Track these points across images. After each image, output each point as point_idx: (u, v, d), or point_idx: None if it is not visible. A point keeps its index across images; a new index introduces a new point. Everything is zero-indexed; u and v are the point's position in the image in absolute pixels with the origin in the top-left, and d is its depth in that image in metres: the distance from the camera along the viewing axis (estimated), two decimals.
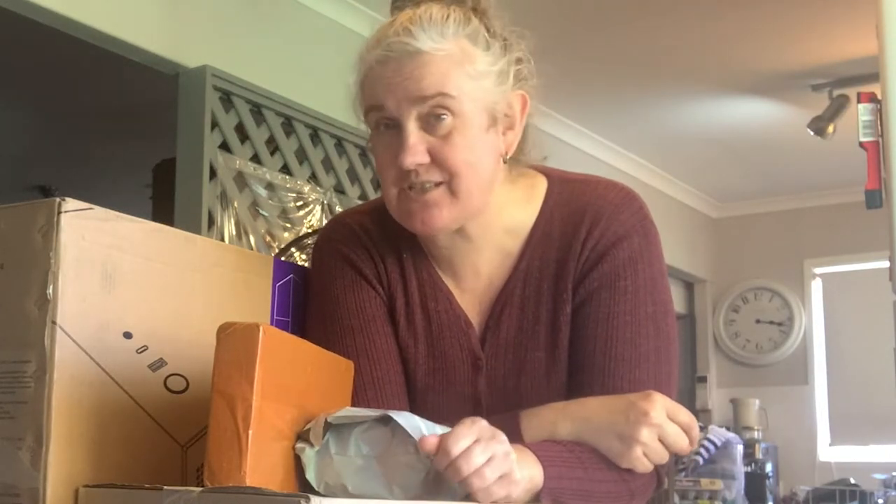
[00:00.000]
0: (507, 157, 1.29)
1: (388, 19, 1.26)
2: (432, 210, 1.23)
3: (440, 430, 1.06)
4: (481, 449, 1.01)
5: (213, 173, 3.34)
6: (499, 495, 1.04)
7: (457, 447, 1.00)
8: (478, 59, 1.23)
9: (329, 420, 1.05)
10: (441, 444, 1.00)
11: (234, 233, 3.38)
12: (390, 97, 1.20)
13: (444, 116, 1.20)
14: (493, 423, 1.22)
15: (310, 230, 3.46)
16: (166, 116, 3.50)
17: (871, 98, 2.58)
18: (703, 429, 5.25)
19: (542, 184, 1.35)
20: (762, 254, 6.87)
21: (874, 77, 2.62)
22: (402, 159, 1.20)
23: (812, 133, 4.87)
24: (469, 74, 1.21)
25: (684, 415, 1.18)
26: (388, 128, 1.23)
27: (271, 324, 1.30)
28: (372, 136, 1.27)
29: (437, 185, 1.22)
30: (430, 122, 1.21)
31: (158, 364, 1.11)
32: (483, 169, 1.24)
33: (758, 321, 6.81)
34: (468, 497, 1.04)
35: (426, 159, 1.21)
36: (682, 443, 1.17)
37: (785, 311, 6.74)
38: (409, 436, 1.02)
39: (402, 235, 1.33)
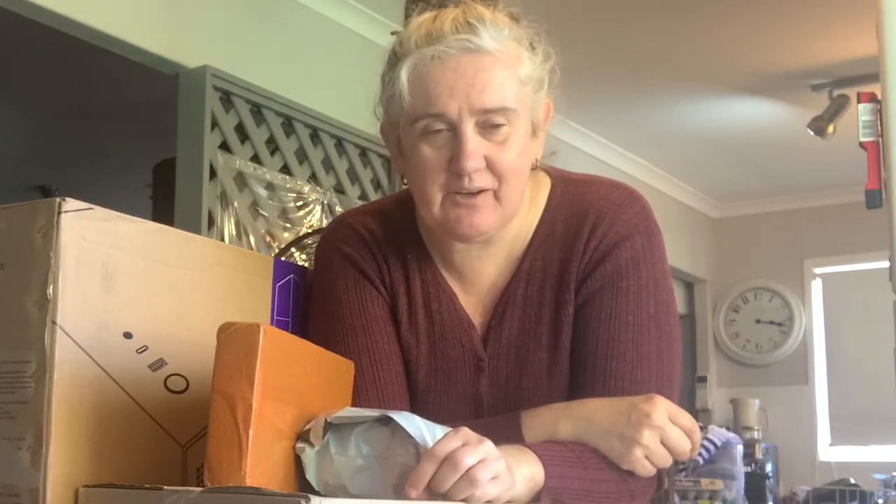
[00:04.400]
0: (537, 164, 1.29)
1: (426, 15, 1.23)
2: (481, 213, 1.23)
3: (440, 430, 1.06)
4: (470, 450, 0.98)
5: (213, 173, 3.34)
6: (492, 494, 1.02)
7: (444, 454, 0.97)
8: (525, 63, 1.23)
9: (329, 420, 1.04)
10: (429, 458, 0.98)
11: (234, 233, 3.38)
12: (451, 103, 1.18)
13: (503, 125, 1.20)
14: (494, 423, 1.22)
15: (310, 230, 3.46)
16: (166, 116, 3.50)
17: (871, 98, 2.58)
18: (703, 429, 5.24)
19: (545, 184, 1.35)
20: (762, 254, 6.87)
21: (874, 77, 2.61)
22: (463, 164, 1.19)
23: (812, 133, 4.87)
24: (521, 80, 1.22)
25: (686, 419, 1.18)
26: (438, 131, 1.21)
27: (271, 324, 1.30)
28: (413, 139, 1.23)
29: (484, 191, 1.22)
30: (486, 127, 1.20)
31: (158, 364, 1.10)
32: (524, 176, 1.26)
33: (758, 321, 6.81)
34: (468, 497, 1.04)
35: (483, 164, 1.21)
36: (683, 446, 1.17)
37: (785, 311, 6.74)
38: (410, 436, 1.01)
39: (405, 236, 1.33)
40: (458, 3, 1.23)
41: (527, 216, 1.32)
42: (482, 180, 1.21)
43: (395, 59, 1.24)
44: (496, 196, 1.23)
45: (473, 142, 1.19)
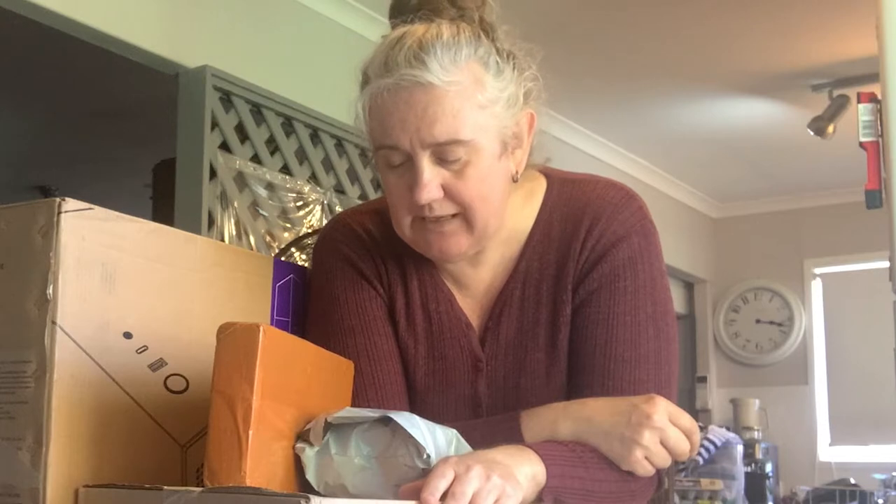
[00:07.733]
0: (518, 175, 1.28)
1: (395, 33, 1.23)
2: (450, 240, 1.23)
3: (440, 430, 1.06)
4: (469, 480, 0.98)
5: (213, 173, 3.34)
6: None
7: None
8: (489, 85, 1.20)
9: (329, 420, 1.05)
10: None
11: (234, 233, 3.38)
12: (403, 136, 1.18)
13: (459, 155, 1.19)
14: (493, 422, 1.22)
15: (310, 230, 3.46)
16: (166, 116, 3.50)
17: (871, 98, 2.58)
18: (703, 429, 5.25)
19: (541, 184, 1.34)
20: (762, 254, 6.87)
21: (874, 77, 2.62)
22: (417, 196, 1.19)
23: (812, 133, 4.87)
24: (480, 104, 1.19)
25: (686, 419, 1.18)
26: (398, 160, 1.21)
27: (271, 324, 1.30)
28: (381, 164, 1.24)
29: (453, 216, 1.22)
30: (443, 157, 1.19)
31: (158, 364, 1.11)
32: (496, 197, 1.24)
33: (758, 321, 6.81)
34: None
35: (440, 194, 1.20)
36: (683, 447, 1.17)
37: (785, 311, 6.74)
38: (410, 436, 1.02)
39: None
40: (425, 20, 1.22)
41: (522, 216, 1.32)
42: (443, 209, 1.21)
43: (362, 83, 1.23)
44: (466, 221, 1.22)
45: (428, 174, 1.19)
